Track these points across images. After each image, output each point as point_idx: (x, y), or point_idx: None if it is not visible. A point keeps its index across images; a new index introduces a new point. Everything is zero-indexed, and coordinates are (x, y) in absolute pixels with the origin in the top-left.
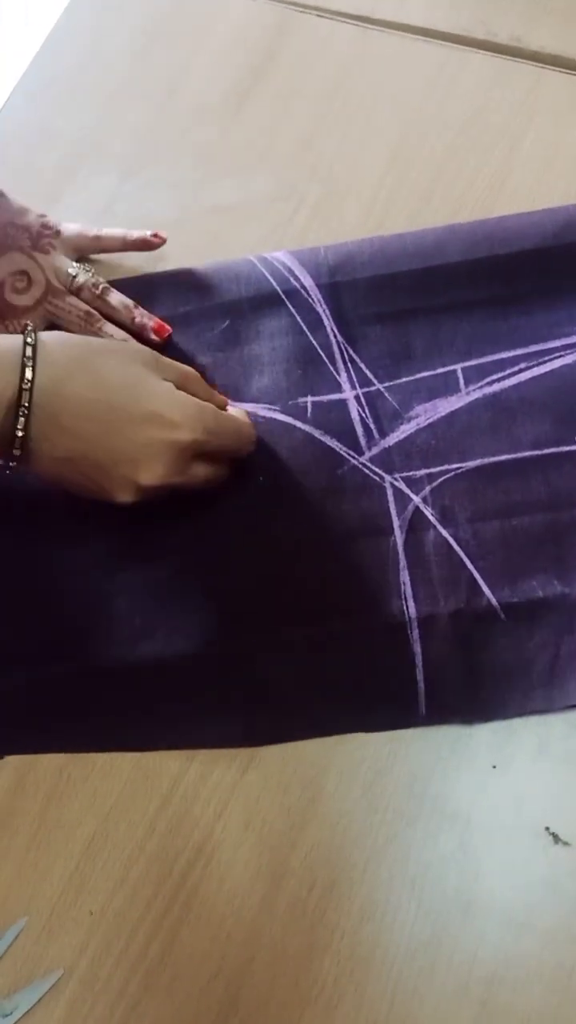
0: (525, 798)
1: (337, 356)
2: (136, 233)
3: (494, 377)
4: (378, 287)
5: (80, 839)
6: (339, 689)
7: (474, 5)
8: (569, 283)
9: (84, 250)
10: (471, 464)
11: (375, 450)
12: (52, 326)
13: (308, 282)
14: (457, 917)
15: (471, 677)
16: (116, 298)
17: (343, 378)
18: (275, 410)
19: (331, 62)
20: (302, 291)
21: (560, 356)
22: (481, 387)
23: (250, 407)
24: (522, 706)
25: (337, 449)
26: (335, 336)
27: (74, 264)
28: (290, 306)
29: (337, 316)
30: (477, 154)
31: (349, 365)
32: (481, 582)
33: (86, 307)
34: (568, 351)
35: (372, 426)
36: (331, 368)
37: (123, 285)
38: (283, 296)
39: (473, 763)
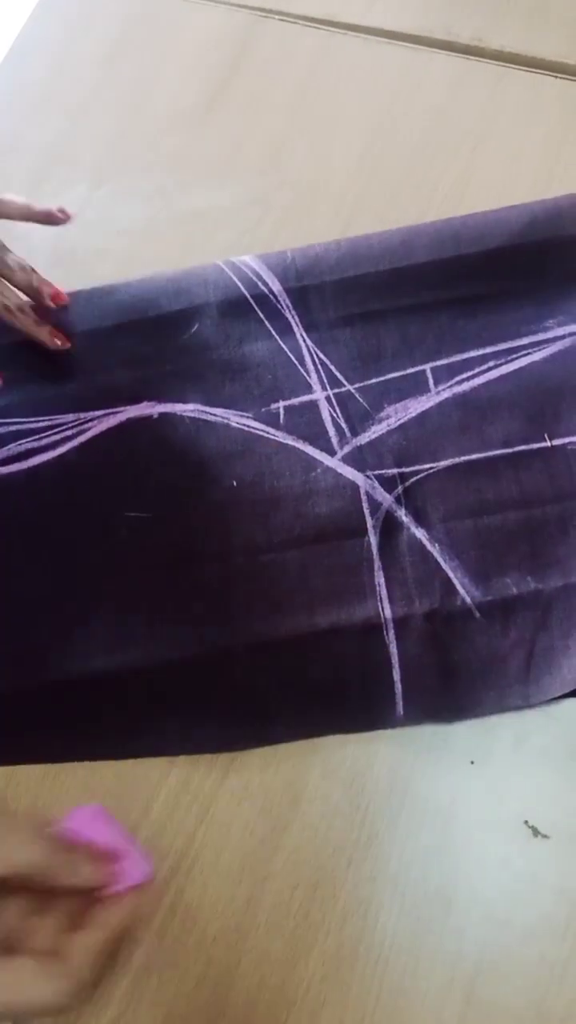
0: (504, 793)
1: (307, 359)
2: (40, 205)
3: (463, 376)
4: (346, 289)
5: None
6: (317, 692)
7: (436, 7)
8: (536, 280)
9: None
10: (443, 464)
11: (347, 449)
12: None
13: (276, 287)
14: (440, 913)
15: (448, 676)
16: (13, 259)
17: (313, 380)
18: (247, 417)
19: (297, 67)
20: (270, 296)
21: (528, 354)
22: (451, 386)
23: (221, 413)
24: (499, 704)
25: (310, 453)
26: (304, 340)
27: None
28: (259, 311)
29: (306, 320)
30: (443, 154)
31: (320, 368)
32: (455, 581)
33: None
34: (535, 348)
35: (344, 426)
36: (301, 371)
37: (90, 295)
38: (251, 301)
39: (452, 760)
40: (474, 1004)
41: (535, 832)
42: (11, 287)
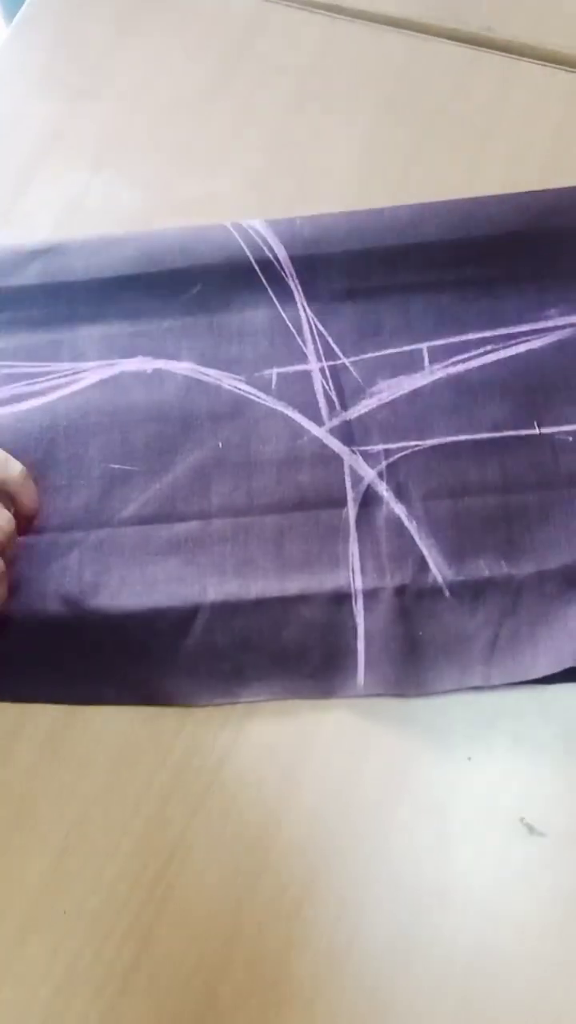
0: (501, 790)
1: (305, 329)
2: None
3: (459, 358)
4: (352, 262)
5: (54, 839)
6: (280, 655)
7: None
8: (542, 268)
9: None
10: (429, 443)
11: (335, 421)
12: None
13: (282, 253)
14: (435, 910)
15: (411, 651)
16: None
17: (309, 350)
18: (240, 380)
19: (302, 53)
20: (275, 262)
21: (526, 340)
22: (445, 367)
23: (214, 374)
24: (459, 681)
25: (298, 420)
26: (304, 309)
27: None
28: (262, 276)
29: (309, 289)
30: (448, 145)
31: (317, 339)
32: (429, 559)
33: None
34: (535, 336)
35: (335, 399)
36: (299, 340)
37: (96, 244)
38: (255, 266)
39: (448, 756)
40: (468, 1002)
41: (531, 830)
42: None
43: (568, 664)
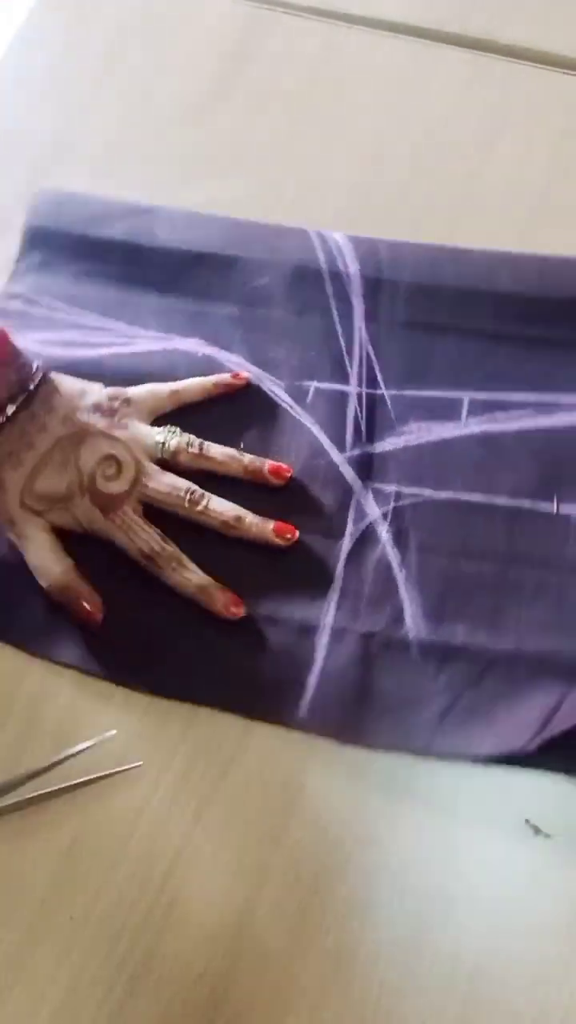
0: (506, 791)
1: (356, 350)
2: (215, 378)
3: (498, 415)
4: (419, 294)
5: (59, 844)
6: (235, 668)
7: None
8: None
9: (161, 410)
10: (442, 495)
11: (356, 451)
12: (154, 510)
13: (354, 269)
14: (440, 912)
15: (361, 699)
16: (217, 451)
17: (353, 372)
18: (279, 385)
19: (303, 60)
20: (345, 277)
21: (569, 412)
22: (481, 422)
23: (256, 372)
24: (400, 742)
25: (321, 441)
26: (360, 331)
27: (158, 430)
28: (329, 287)
29: (370, 311)
30: (451, 151)
31: (363, 363)
32: (407, 612)
33: (185, 485)
34: None
35: (363, 428)
36: (345, 359)
37: (181, 218)
38: (326, 275)
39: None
40: (474, 1004)
41: (536, 831)
42: (217, 503)
43: (513, 751)
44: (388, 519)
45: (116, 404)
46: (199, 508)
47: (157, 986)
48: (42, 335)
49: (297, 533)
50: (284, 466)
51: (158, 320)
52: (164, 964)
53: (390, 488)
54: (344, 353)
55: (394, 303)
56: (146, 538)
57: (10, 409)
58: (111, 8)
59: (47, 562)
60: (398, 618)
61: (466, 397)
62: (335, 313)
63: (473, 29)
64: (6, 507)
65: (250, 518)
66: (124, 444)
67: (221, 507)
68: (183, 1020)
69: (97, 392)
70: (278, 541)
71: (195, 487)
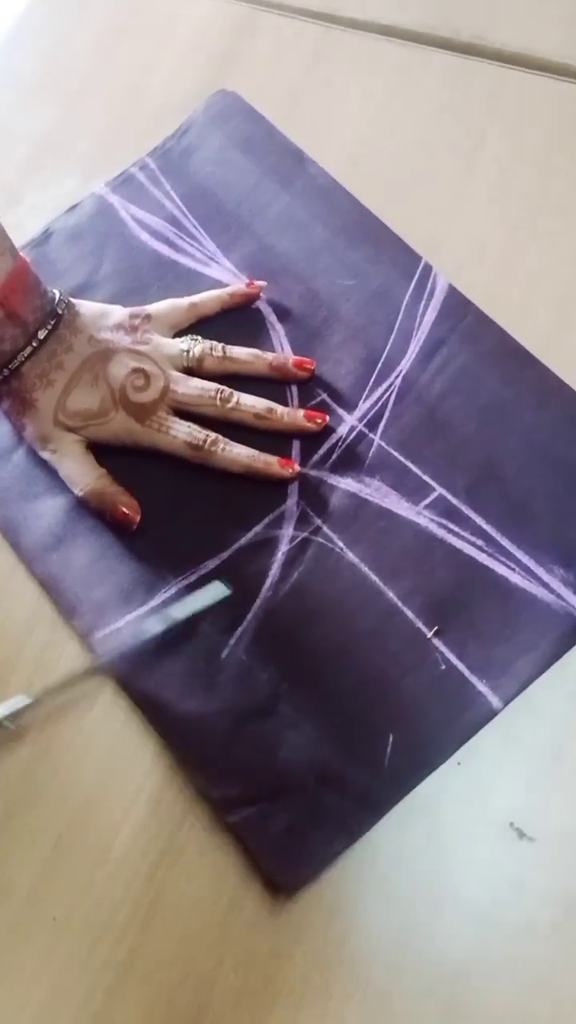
0: (490, 794)
1: (380, 391)
2: (231, 289)
3: (449, 524)
4: (465, 378)
5: (44, 844)
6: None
7: (436, 3)
8: None
9: (180, 324)
10: (349, 556)
11: (314, 472)
12: (185, 414)
13: (429, 319)
14: (425, 915)
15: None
16: (240, 351)
17: (363, 406)
18: (321, 394)
19: (293, 61)
20: (422, 316)
21: (510, 569)
22: (432, 518)
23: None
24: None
25: (294, 445)
26: (397, 377)
27: (180, 340)
28: (399, 321)
29: (416, 364)
30: (440, 154)
31: (377, 404)
32: (239, 630)
33: (213, 386)
34: (519, 572)
35: (332, 456)
36: (365, 392)
37: (326, 180)
38: (402, 309)
39: None
40: (458, 1006)
41: (520, 834)
42: (246, 398)
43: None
44: (294, 542)
45: (137, 321)
46: (230, 405)
47: (141, 987)
48: (142, 213)
49: (327, 417)
50: (308, 360)
51: (243, 259)
52: (148, 965)
53: (316, 520)
54: (369, 386)
55: (440, 371)
56: (188, 430)
57: (41, 334)
58: (101, 7)
59: (82, 471)
60: (229, 629)
61: (439, 492)
62: (387, 348)
63: (462, 33)
64: (40, 425)
65: (281, 408)
66: (149, 357)
67: (252, 400)
68: (168, 1021)
69: (118, 312)
70: (311, 426)
71: (223, 387)
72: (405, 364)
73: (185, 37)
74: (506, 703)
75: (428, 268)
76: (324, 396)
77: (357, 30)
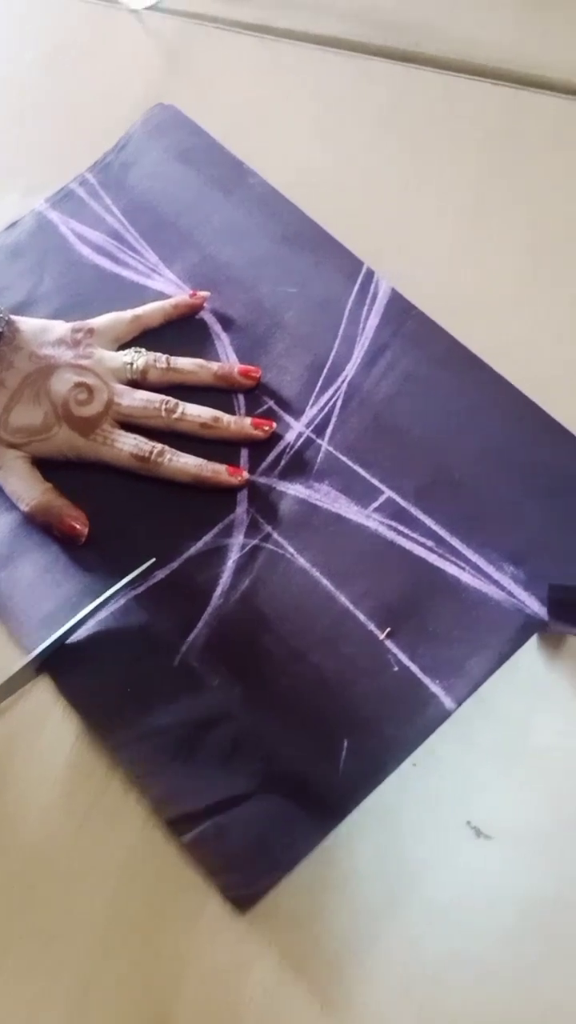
0: (447, 794)
1: (326, 397)
2: (174, 300)
3: (399, 527)
4: (411, 381)
5: (5, 864)
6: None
7: (372, 13)
8: (547, 530)
9: (124, 336)
10: (299, 562)
11: (263, 479)
12: (131, 427)
13: (374, 322)
14: (387, 918)
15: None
16: (184, 362)
17: (310, 412)
18: (269, 401)
19: (234, 74)
20: (365, 320)
21: (462, 569)
22: (381, 520)
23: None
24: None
25: (242, 454)
26: (343, 383)
27: (124, 352)
28: (343, 328)
29: (361, 370)
30: (384, 162)
31: (325, 410)
32: (194, 634)
33: (158, 397)
34: (472, 573)
35: (281, 462)
36: (312, 397)
37: (266, 190)
38: (345, 315)
39: None
40: (428, 1010)
41: (478, 833)
42: (191, 408)
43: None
44: (244, 550)
45: (80, 336)
46: (176, 415)
47: (102, 1004)
48: (83, 228)
49: (275, 424)
50: (253, 368)
51: (185, 270)
52: (109, 981)
53: (266, 527)
54: (315, 392)
55: (385, 375)
56: (134, 442)
57: None
58: (44, 24)
59: (27, 486)
60: (180, 637)
61: (388, 494)
62: (332, 354)
63: (400, 41)
64: None
65: (227, 417)
66: (92, 371)
67: (198, 410)
68: None
69: (60, 327)
70: (258, 434)
71: (168, 397)
72: (350, 369)
73: (124, 53)
74: (459, 703)
75: (370, 273)
76: (271, 403)
77: (294, 41)
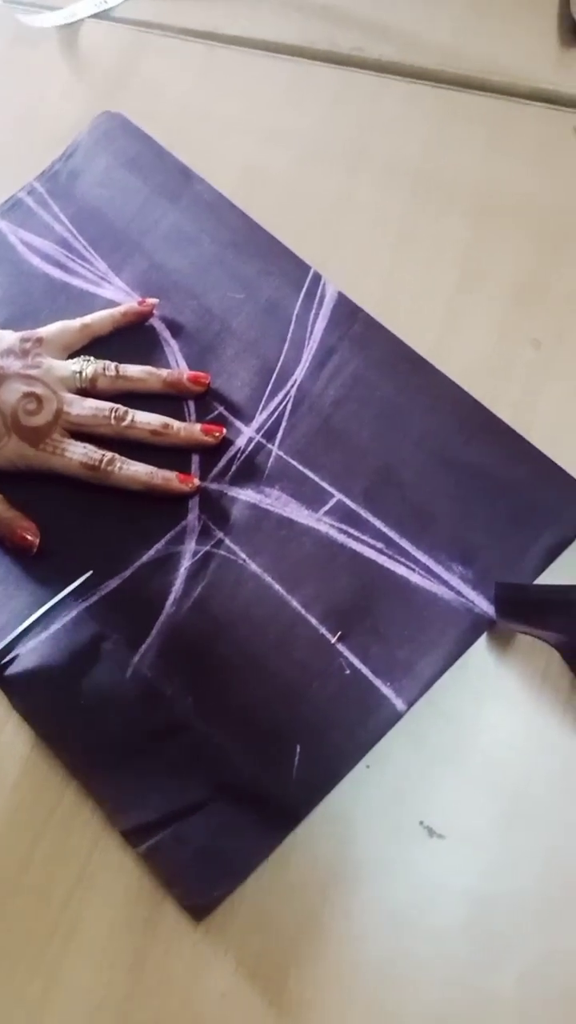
0: (399, 795)
1: (275, 402)
2: (122, 308)
3: (350, 530)
4: (360, 386)
5: None
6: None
7: (316, 17)
8: (496, 528)
9: (73, 345)
10: (251, 567)
11: (214, 485)
12: (81, 436)
13: (322, 325)
14: (341, 919)
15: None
16: (134, 370)
17: (259, 418)
18: (220, 406)
19: (180, 81)
20: (312, 324)
21: (411, 570)
22: (332, 523)
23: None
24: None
25: (193, 461)
26: (297, 383)
27: (72, 361)
28: (290, 332)
29: (310, 374)
30: (326, 165)
31: (274, 416)
32: (145, 645)
33: (107, 405)
34: (421, 573)
35: (232, 468)
36: (261, 404)
37: (214, 196)
38: (293, 319)
39: None
40: (380, 1011)
41: (431, 832)
42: (141, 415)
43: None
44: (196, 556)
45: (28, 345)
46: (126, 423)
47: (59, 1014)
48: (32, 237)
49: (225, 430)
50: (203, 374)
51: (134, 278)
52: (66, 992)
53: (218, 533)
54: (265, 398)
55: (333, 379)
56: (84, 451)
57: None
58: None
59: None
60: (132, 647)
61: (338, 498)
62: (281, 359)
63: (342, 45)
64: None
65: (177, 423)
66: (41, 380)
67: (148, 417)
68: None
69: (8, 337)
70: (208, 440)
71: (118, 405)
72: (299, 373)
73: (71, 62)
74: (410, 704)
75: (317, 277)
76: (221, 409)
77: (240, 47)
